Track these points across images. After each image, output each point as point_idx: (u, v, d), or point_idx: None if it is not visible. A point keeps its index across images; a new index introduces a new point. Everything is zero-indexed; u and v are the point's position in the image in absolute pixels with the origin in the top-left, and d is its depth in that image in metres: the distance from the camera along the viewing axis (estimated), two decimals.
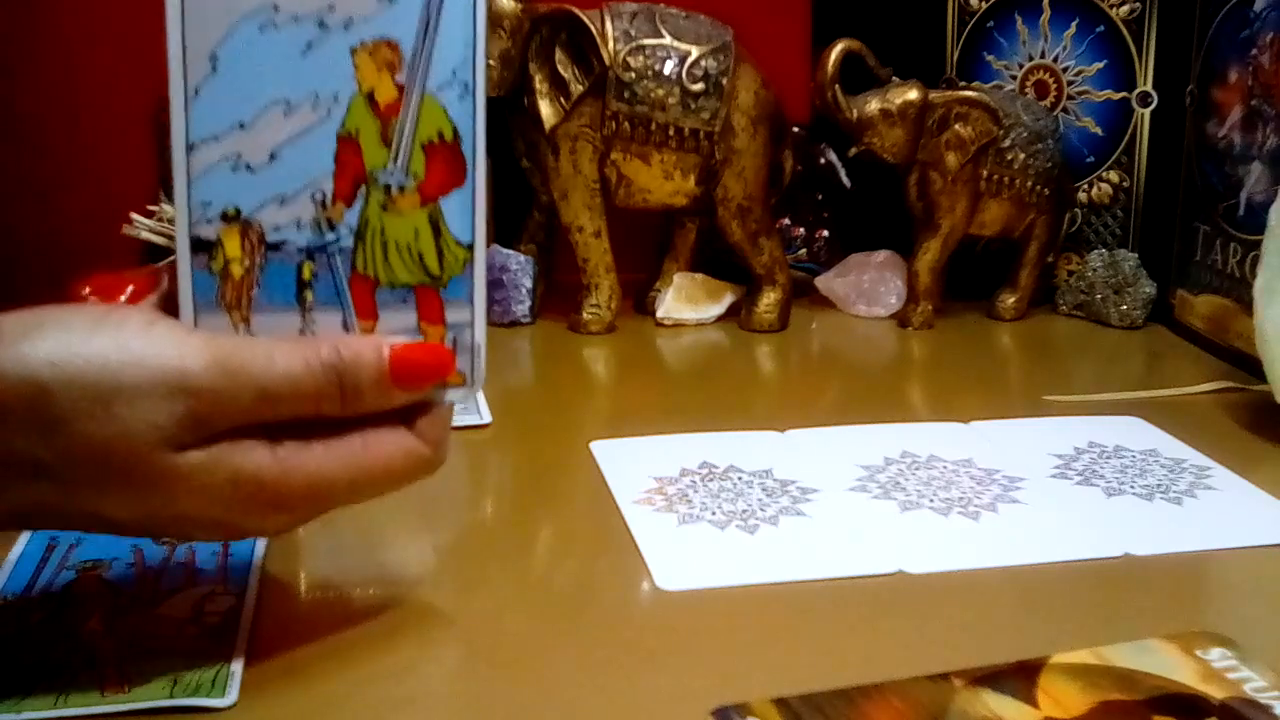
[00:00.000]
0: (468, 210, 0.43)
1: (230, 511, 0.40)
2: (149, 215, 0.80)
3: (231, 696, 0.41)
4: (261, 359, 0.39)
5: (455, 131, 0.42)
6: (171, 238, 0.46)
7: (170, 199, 0.48)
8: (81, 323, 0.38)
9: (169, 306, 0.42)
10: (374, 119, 0.41)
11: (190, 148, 0.41)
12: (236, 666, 0.43)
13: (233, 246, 0.41)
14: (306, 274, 0.42)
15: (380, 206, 0.42)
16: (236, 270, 0.42)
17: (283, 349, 0.40)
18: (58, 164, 1.00)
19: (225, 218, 0.41)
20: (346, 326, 0.42)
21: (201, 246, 0.41)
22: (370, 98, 0.41)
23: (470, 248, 0.43)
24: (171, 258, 0.42)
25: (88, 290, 0.49)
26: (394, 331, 0.43)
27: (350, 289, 0.42)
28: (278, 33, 0.40)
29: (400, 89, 0.41)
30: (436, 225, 0.43)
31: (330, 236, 0.42)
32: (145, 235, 0.80)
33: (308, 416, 0.40)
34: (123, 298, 0.46)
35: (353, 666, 0.44)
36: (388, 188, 0.42)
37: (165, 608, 0.47)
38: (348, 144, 0.41)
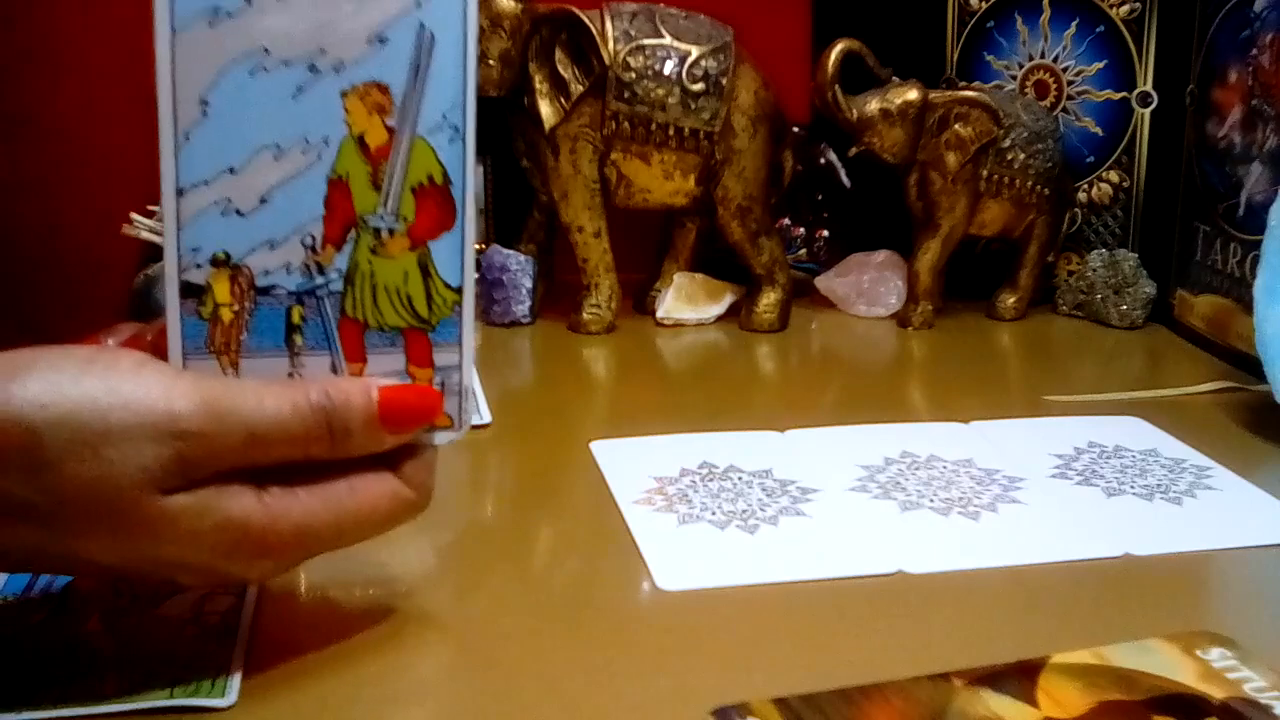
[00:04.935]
0: (457, 254, 0.43)
1: (216, 557, 0.39)
2: (149, 215, 0.80)
3: (231, 697, 0.41)
4: (251, 402, 0.39)
5: (445, 175, 0.42)
6: None
7: None
8: (71, 364, 0.38)
9: (158, 353, 0.42)
10: (364, 162, 0.41)
11: (180, 192, 0.41)
12: (236, 666, 0.43)
13: (222, 291, 0.41)
14: (296, 318, 0.42)
15: (370, 250, 0.42)
16: (226, 314, 0.42)
17: (272, 392, 0.40)
18: (58, 164, 1.00)
19: (215, 262, 0.41)
20: (335, 370, 0.43)
21: (191, 291, 0.41)
22: (361, 141, 0.41)
23: (459, 291, 0.43)
24: (158, 320, 0.42)
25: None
26: (382, 374, 0.43)
27: (339, 332, 0.42)
28: (268, 77, 0.40)
29: (391, 132, 0.41)
30: (426, 269, 0.43)
31: (320, 280, 0.42)
32: (145, 235, 0.80)
33: (296, 460, 0.40)
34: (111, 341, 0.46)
35: (353, 666, 0.44)
36: (377, 231, 0.42)
37: (165, 608, 0.47)
38: (338, 187, 0.41)
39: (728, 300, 0.93)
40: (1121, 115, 0.94)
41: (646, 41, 0.85)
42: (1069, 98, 0.95)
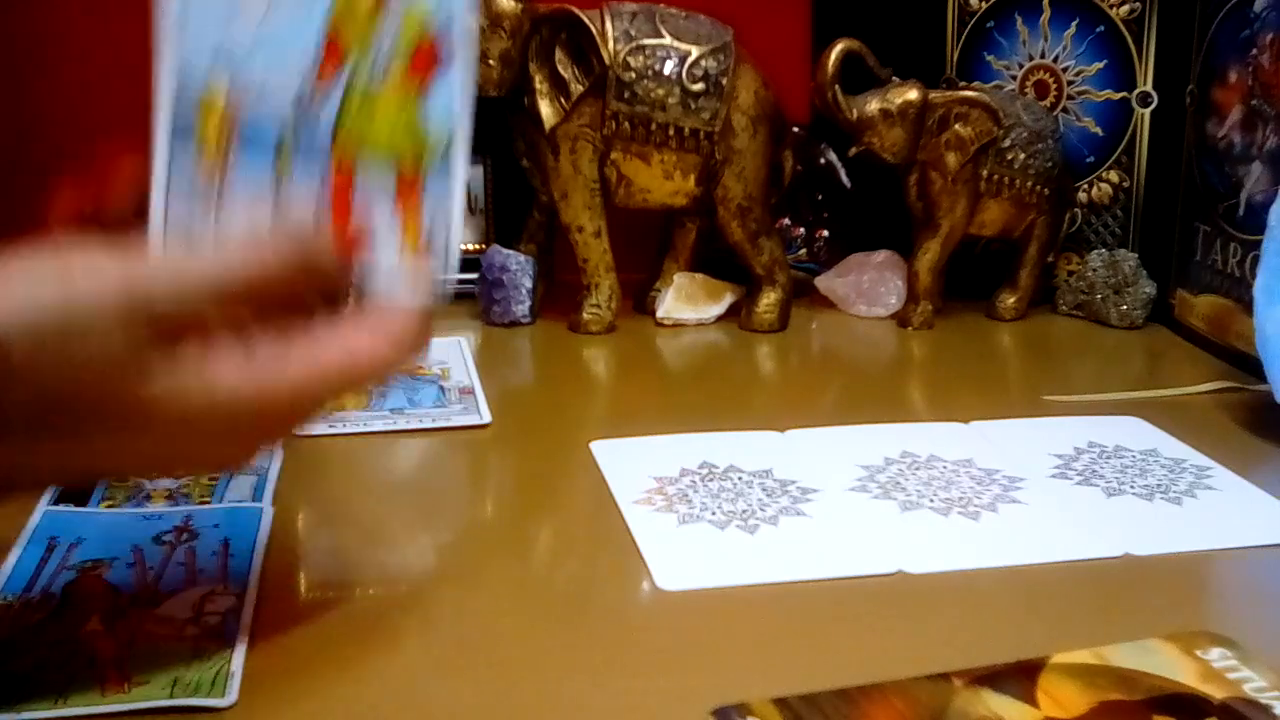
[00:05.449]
0: (450, 99, 0.42)
1: (211, 437, 0.39)
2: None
3: (231, 696, 0.41)
4: (209, 258, 0.39)
5: (439, 22, 0.41)
6: None
7: None
8: (23, 273, 0.37)
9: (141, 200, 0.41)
10: (360, 8, 0.41)
11: (176, 36, 0.40)
12: (236, 666, 0.43)
13: (211, 134, 0.41)
14: (283, 163, 0.41)
15: (361, 96, 0.41)
16: (212, 157, 0.41)
17: (231, 246, 0.39)
18: (58, 163, 1.00)
19: (205, 106, 0.41)
20: (318, 209, 0.42)
21: (180, 133, 0.41)
22: None
23: (451, 136, 0.42)
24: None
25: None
26: (371, 224, 0.42)
27: (329, 174, 0.42)
28: None
29: None
30: (418, 115, 0.42)
31: (310, 120, 0.41)
32: None
33: (270, 305, 0.39)
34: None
35: (352, 666, 0.44)
36: (370, 77, 0.41)
37: (165, 608, 0.47)
38: (332, 33, 0.41)
39: (728, 300, 0.93)
40: (1121, 115, 0.94)
41: (646, 41, 0.85)
42: (1069, 98, 0.95)
